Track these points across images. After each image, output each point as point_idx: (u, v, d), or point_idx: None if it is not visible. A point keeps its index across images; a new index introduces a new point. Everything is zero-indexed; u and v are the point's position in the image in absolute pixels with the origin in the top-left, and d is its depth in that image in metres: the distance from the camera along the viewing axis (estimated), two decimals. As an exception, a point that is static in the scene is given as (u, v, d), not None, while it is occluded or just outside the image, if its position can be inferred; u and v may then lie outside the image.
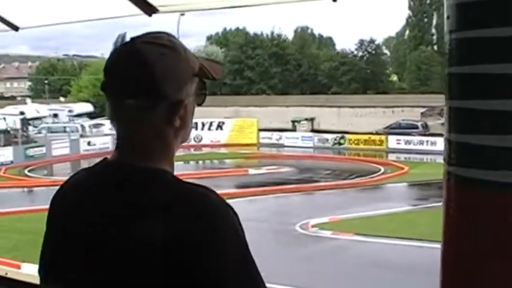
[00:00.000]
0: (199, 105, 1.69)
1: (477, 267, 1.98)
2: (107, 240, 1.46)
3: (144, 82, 1.55)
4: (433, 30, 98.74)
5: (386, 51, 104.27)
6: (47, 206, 1.67)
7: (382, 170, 33.32)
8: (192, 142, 44.58)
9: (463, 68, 1.97)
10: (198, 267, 1.41)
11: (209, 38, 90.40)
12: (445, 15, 2.08)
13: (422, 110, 71.08)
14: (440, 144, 45.88)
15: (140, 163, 1.55)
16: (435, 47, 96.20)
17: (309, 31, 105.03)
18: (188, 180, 1.56)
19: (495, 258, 1.93)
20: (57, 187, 1.69)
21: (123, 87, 1.57)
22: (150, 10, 3.25)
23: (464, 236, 2.02)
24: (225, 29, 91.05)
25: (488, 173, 1.91)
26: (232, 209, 1.51)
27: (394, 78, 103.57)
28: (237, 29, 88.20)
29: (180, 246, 1.40)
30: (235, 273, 1.44)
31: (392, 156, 41.85)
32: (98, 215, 1.50)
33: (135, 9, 3.24)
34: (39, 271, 1.67)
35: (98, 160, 1.64)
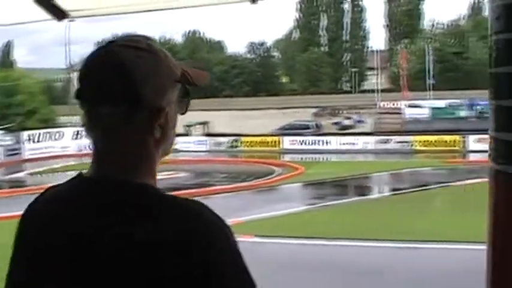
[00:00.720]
0: (182, 113, 1.60)
1: None
2: (92, 250, 1.38)
3: (122, 88, 1.45)
4: (322, 32, 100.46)
5: (276, 53, 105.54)
6: None
7: (278, 171, 33.64)
8: (86, 151, 43.57)
9: None
10: (191, 279, 1.35)
11: (98, 44, 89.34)
12: (492, 16, 2.07)
13: (314, 110, 72.26)
14: (333, 143, 46.98)
15: (121, 177, 1.46)
16: (324, 48, 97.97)
17: (199, 35, 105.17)
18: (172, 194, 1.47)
19: None
20: None
21: (99, 94, 1.46)
22: (61, 15, 3.16)
23: None
24: (114, 34, 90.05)
25: None
26: (224, 222, 1.44)
27: (285, 79, 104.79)
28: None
29: (171, 256, 1.34)
30: (230, 279, 1.39)
31: (287, 157, 42.30)
32: (81, 227, 1.41)
33: (45, 15, 3.15)
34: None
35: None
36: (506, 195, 2.01)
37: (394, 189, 25.91)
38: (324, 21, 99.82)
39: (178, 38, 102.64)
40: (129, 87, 1.45)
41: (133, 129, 1.48)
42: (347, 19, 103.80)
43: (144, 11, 3.51)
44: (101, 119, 1.47)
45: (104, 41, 1.57)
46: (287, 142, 48.66)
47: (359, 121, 66.93)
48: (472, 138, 42.23)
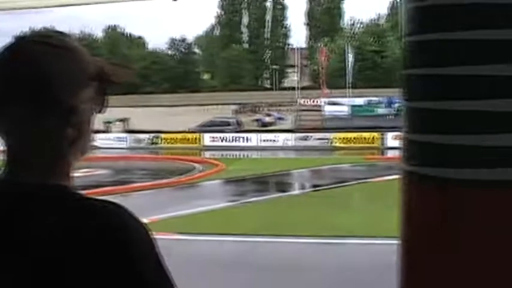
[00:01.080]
0: (99, 112, 1.50)
1: (438, 264, 1.96)
2: (8, 250, 1.34)
3: (32, 85, 1.36)
4: (244, 29, 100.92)
5: (197, 50, 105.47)
6: None
7: (199, 167, 33.53)
8: None
9: (427, 70, 1.96)
10: (114, 281, 1.33)
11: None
12: (405, 18, 2.07)
13: (234, 107, 72.56)
14: (254, 140, 47.17)
15: (35, 179, 1.39)
16: (245, 45, 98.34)
17: (120, 31, 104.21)
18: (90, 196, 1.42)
19: (456, 253, 1.94)
20: None
21: (8, 92, 1.37)
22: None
23: (426, 234, 2.00)
24: (32, 28, 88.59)
25: (450, 171, 1.91)
26: (142, 222, 1.40)
27: (206, 76, 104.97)
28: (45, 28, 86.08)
29: (84, 256, 1.32)
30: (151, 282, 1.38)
31: (207, 154, 42.20)
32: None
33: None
34: None
35: None
36: (420, 197, 2.04)
37: (314, 186, 26.12)
38: (245, 19, 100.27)
39: (98, 33, 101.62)
40: (40, 86, 1.37)
41: (46, 130, 1.40)
42: (268, 17, 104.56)
43: (64, 5, 3.43)
44: (11, 119, 1.40)
45: (15, 37, 1.47)
46: (207, 139, 48.60)
47: (279, 118, 67.53)
48: (390, 136, 42.99)
